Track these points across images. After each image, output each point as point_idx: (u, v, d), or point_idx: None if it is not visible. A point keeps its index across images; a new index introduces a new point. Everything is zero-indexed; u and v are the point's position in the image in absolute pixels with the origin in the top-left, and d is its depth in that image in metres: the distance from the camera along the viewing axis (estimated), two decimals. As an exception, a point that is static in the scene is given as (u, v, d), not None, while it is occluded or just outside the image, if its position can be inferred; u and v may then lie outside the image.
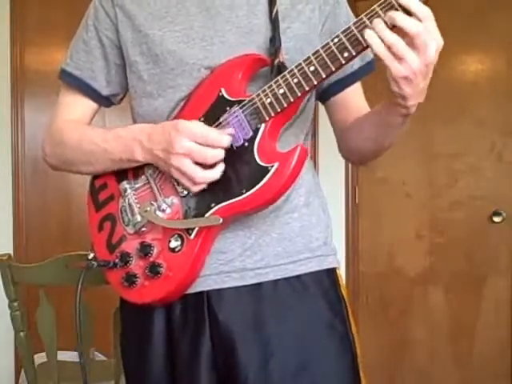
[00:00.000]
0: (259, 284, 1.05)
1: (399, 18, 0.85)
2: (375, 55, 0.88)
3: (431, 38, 0.86)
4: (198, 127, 0.97)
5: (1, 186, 2.97)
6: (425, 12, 0.85)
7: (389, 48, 0.86)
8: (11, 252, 2.82)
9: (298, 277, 1.07)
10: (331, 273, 1.11)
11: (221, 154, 0.97)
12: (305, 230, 1.09)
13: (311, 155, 1.18)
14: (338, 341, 1.06)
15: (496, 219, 3.02)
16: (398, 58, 0.86)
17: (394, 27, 0.87)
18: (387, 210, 3.27)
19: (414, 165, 3.16)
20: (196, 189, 0.98)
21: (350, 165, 3.29)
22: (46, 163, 1.22)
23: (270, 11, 1.06)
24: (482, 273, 3.08)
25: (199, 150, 0.96)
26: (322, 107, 1.20)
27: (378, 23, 0.87)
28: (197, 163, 0.96)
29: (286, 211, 1.08)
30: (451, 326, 3.14)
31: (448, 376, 3.14)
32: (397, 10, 0.86)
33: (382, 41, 0.86)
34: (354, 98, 1.17)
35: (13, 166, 2.99)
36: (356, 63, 1.12)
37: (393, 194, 3.25)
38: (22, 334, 1.79)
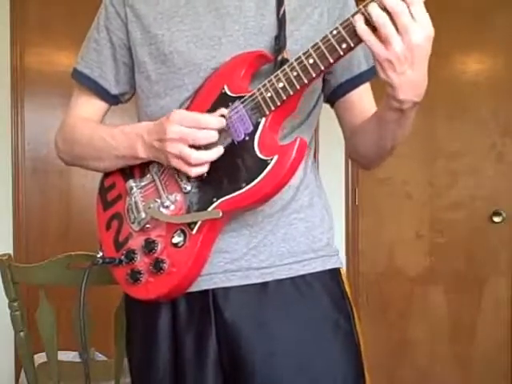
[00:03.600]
0: (265, 283, 1.06)
1: None
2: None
3: (415, 22, 0.85)
4: (187, 112, 0.99)
5: (1, 186, 2.97)
6: None
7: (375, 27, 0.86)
8: (11, 252, 2.82)
9: (302, 276, 1.07)
10: (335, 273, 1.12)
11: (213, 134, 0.97)
12: (308, 230, 1.10)
13: (312, 157, 1.19)
14: (342, 338, 1.07)
15: (496, 219, 3.02)
16: (382, 38, 0.86)
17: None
18: (387, 210, 3.27)
19: (414, 165, 3.16)
20: (194, 172, 0.98)
21: (349, 166, 3.29)
22: (59, 159, 1.24)
23: (278, 11, 1.06)
24: (482, 273, 3.08)
25: (190, 131, 0.97)
26: (322, 108, 1.20)
27: (371, 6, 0.86)
28: (193, 147, 0.97)
29: (292, 211, 1.08)
30: (451, 326, 3.14)
31: (448, 376, 3.14)
32: None
33: (371, 19, 0.86)
34: (361, 101, 1.17)
35: (13, 166, 2.98)
36: (363, 66, 1.13)
37: (393, 194, 3.25)
38: (21, 333, 1.79)
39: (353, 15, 0.89)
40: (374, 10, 0.86)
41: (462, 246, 3.11)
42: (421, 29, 0.85)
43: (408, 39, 0.85)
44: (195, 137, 0.96)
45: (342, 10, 1.13)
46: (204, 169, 0.98)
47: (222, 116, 0.99)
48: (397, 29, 0.85)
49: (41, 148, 2.99)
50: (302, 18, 1.09)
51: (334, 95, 1.17)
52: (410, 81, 0.89)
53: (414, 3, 0.85)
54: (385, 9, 0.86)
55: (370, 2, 0.87)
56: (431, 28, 0.86)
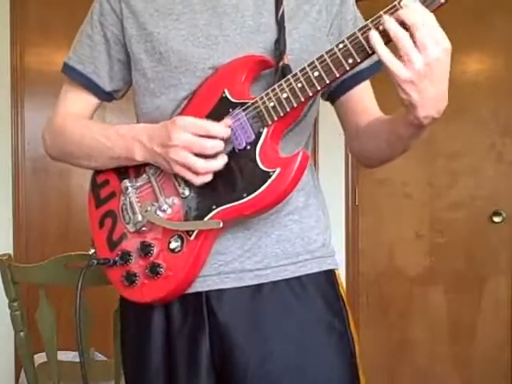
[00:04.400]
0: (259, 285, 1.05)
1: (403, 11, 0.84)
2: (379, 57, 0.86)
3: (431, 36, 0.83)
4: (194, 119, 0.97)
5: (1, 186, 2.97)
6: (423, 12, 0.84)
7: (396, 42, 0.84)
8: (11, 252, 2.83)
9: (298, 278, 1.07)
10: (330, 274, 1.11)
11: (220, 144, 0.96)
12: (303, 231, 1.09)
13: (311, 156, 1.18)
14: (337, 340, 1.06)
15: (496, 219, 3.01)
16: (401, 57, 0.84)
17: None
18: (387, 209, 3.27)
19: (414, 165, 3.15)
20: (199, 180, 0.97)
21: (349, 165, 3.29)
22: (47, 154, 1.23)
23: (277, 12, 1.05)
24: (482, 273, 3.08)
25: (197, 140, 0.95)
26: (321, 107, 1.20)
27: (388, 20, 0.85)
28: (197, 155, 0.96)
29: (287, 213, 1.08)
30: (451, 326, 3.14)
31: (448, 376, 3.14)
32: None
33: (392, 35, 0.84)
34: (362, 99, 1.16)
35: (13, 166, 2.99)
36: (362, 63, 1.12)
37: (393, 194, 3.25)
38: (21, 333, 1.79)
39: (360, 30, 0.88)
40: (392, 25, 0.84)
41: (462, 246, 3.11)
42: (437, 43, 0.83)
43: (426, 54, 0.83)
44: (203, 146, 0.95)
45: (341, 7, 1.12)
46: (209, 177, 0.97)
47: (228, 126, 0.98)
48: (415, 44, 0.83)
49: (41, 148, 2.95)
50: (300, 16, 1.08)
51: (334, 93, 1.16)
52: (431, 97, 0.87)
53: (427, 15, 0.83)
54: (402, 23, 0.84)
55: (380, 17, 0.85)
56: (447, 41, 0.84)
